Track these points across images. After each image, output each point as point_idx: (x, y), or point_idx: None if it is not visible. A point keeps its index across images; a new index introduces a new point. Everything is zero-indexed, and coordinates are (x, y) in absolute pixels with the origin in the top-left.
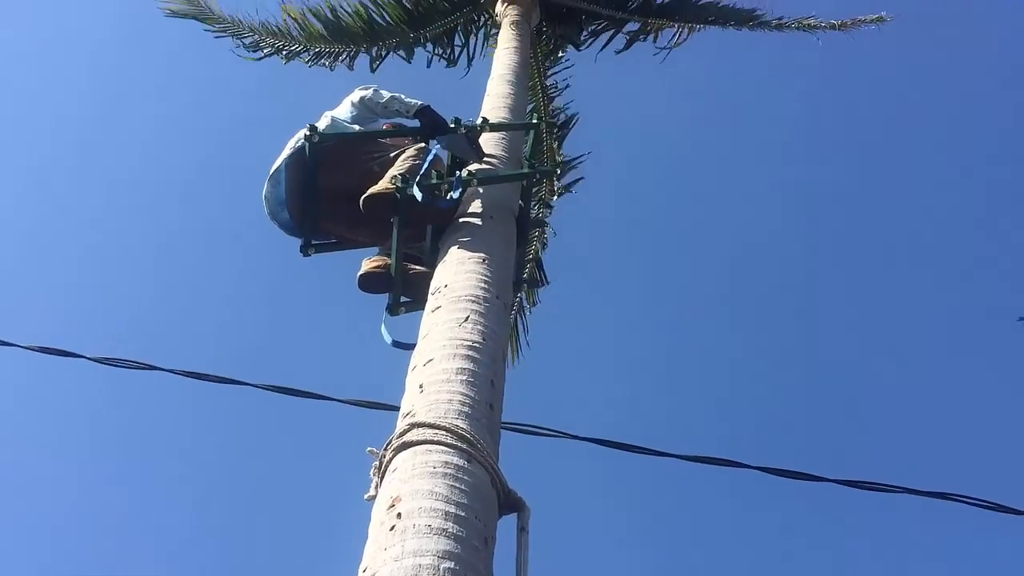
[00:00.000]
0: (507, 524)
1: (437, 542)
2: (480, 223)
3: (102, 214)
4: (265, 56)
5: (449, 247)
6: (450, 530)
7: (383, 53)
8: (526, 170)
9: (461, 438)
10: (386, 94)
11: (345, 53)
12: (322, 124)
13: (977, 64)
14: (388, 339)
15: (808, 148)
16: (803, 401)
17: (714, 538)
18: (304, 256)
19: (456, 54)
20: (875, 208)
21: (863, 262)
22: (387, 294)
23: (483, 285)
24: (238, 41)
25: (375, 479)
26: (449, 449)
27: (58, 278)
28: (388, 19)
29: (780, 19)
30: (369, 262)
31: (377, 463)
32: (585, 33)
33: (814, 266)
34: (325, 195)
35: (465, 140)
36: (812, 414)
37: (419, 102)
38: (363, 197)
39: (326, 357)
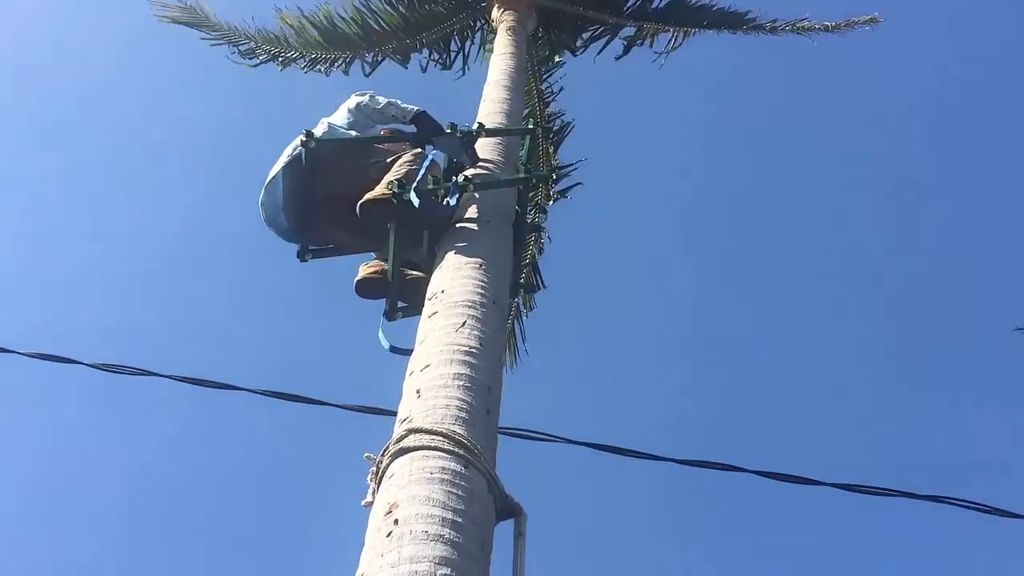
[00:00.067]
0: (504, 530)
1: (434, 548)
2: (477, 228)
3: (102, 215)
4: (261, 63)
5: (446, 252)
6: (447, 536)
7: (379, 59)
8: (522, 175)
9: (458, 444)
10: (383, 100)
11: (341, 59)
12: (319, 130)
13: (974, 63)
14: (385, 344)
15: (807, 149)
16: (800, 404)
17: (712, 542)
18: (301, 261)
19: (452, 59)
20: (875, 209)
21: (862, 264)
22: (384, 299)
23: (480, 290)
24: (234, 48)
25: (372, 485)
26: (446, 455)
27: (57, 283)
28: (384, 25)
29: (774, 22)
30: (366, 267)
31: (374, 469)
32: (581, 39)
33: (813, 267)
34: (322, 201)
35: (460, 144)
36: (809, 417)
37: (415, 108)
38: (360, 203)
39: (323, 362)
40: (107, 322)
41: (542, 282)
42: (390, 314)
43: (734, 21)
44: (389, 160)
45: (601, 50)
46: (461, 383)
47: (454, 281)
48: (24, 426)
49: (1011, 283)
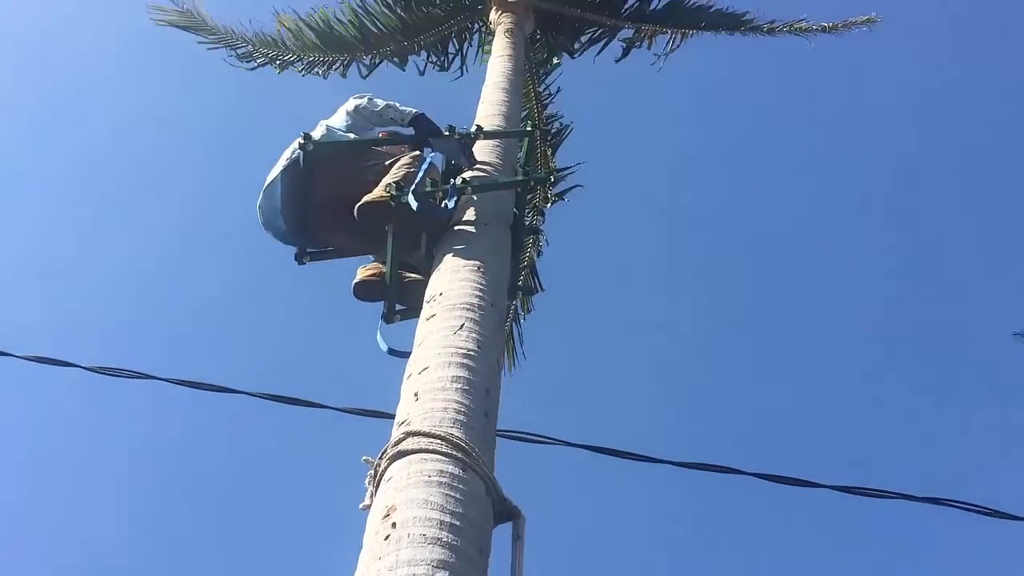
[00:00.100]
0: (503, 533)
1: (432, 551)
2: (475, 231)
3: (98, 218)
4: (258, 66)
5: (444, 255)
6: (445, 539)
7: (376, 61)
8: (520, 177)
9: (456, 447)
10: (381, 102)
11: (339, 62)
12: (317, 133)
13: (971, 64)
14: (384, 347)
15: (806, 150)
16: (798, 407)
17: (710, 544)
18: (299, 264)
19: (450, 62)
20: (873, 212)
21: (860, 267)
22: (382, 302)
23: (478, 293)
24: (231, 51)
25: (370, 488)
26: (444, 458)
27: (54, 286)
28: (381, 27)
29: (771, 23)
30: (364, 270)
31: (372, 472)
32: (579, 41)
33: (811, 270)
34: (320, 204)
35: (457, 146)
36: (807, 419)
37: (414, 110)
38: (358, 205)
39: (321, 365)
40: (105, 323)
41: (540, 285)
42: (388, 317)
43: (732, 22)
44: (387, 163)
45: (599, 52)
46: (459, 386)
47: (452, 284)
48: (23, 427)
49: (1011, 288)
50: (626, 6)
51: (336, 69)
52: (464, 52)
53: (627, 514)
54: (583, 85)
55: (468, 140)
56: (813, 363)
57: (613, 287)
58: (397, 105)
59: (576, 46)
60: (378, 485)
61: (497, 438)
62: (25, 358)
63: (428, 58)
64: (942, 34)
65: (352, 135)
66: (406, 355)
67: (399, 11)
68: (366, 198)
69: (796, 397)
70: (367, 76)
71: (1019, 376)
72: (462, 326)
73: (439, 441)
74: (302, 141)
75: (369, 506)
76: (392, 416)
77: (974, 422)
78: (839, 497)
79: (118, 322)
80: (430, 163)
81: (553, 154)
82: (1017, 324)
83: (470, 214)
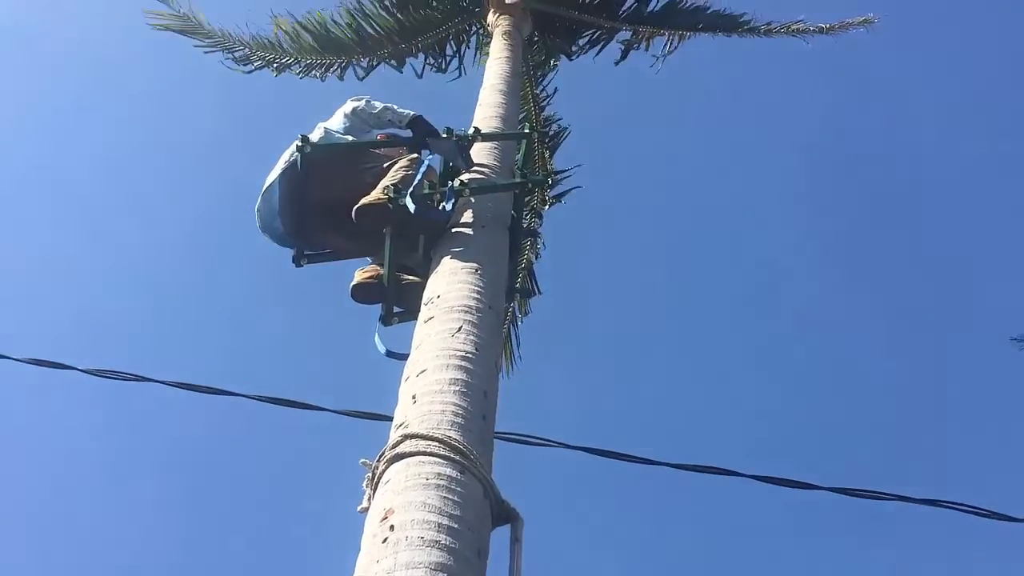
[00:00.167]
0: (501, 535)
1: (430, 554)
2: (472, 233)
3: (95, 221)
4: (256, 69)
5: (442, 257)
6: (443, 542)
7: (374, 63)
8: (518, 179)
9: (454, 449)
10: (378, 104)
11: (336, 64)
12: (315, 135)
13: (969, 63)
14: (382, 349)
15: (803, 153)
16: (796, 408)
17: (708, 547)
18: (297, 266)
19: (447, 64)
20: (871, 215)
21: (858, 270)
22: (380, 304)
23: (476, 295)
24: (228, 54)
25: (368, 491)
26: (442, 460)
27: (50, 289)
28: (379, 30)
29: (768, 24)
30: (362, 272)
31: (370, 475)
32: (576, 43)
33: (808, 273)
34: (318, 206)
35: (455, 147)
36: (805, 421)
37: (411, 112)
38: (355, 208)
39: (318, 367)
40: (103, 324)
41: (537, 287)
42: (386, 319)
43: (729, 24)
44: (385, 165)
45: (597, 54)
46: (457, 388)
47: (450, 286)
48: (21, 429)
49: (1008, 293)
50: (623, 8)
51: (333, 72)
52: (462, 54)
53: (625, 516)
54: (581, 87)
55: (466, 142)
56: (812, 364)
57: (610, 288)
58: (395, 107)
59: (574, 48)
60: (376, 488)
61: (495, 440)
62: (23, 361)
63: (426, 60)
64: (941, 34)
65: (350, 137)
66: (404, 357)
67: (396, 13)
68: (364, 200)
69: (795, 398)
70: (364, 78)
71: (1016, 380)
72: (460, 328)
73: (437, 444)
74: (300, 143)
75: (367, 509)
76: (390, 418)
77: (971, 425)
78: (837, 499)
79: (119, 322)
80: (428, 165)
81: (551, 157)
82: (1015, 329)
83: (468, 216)
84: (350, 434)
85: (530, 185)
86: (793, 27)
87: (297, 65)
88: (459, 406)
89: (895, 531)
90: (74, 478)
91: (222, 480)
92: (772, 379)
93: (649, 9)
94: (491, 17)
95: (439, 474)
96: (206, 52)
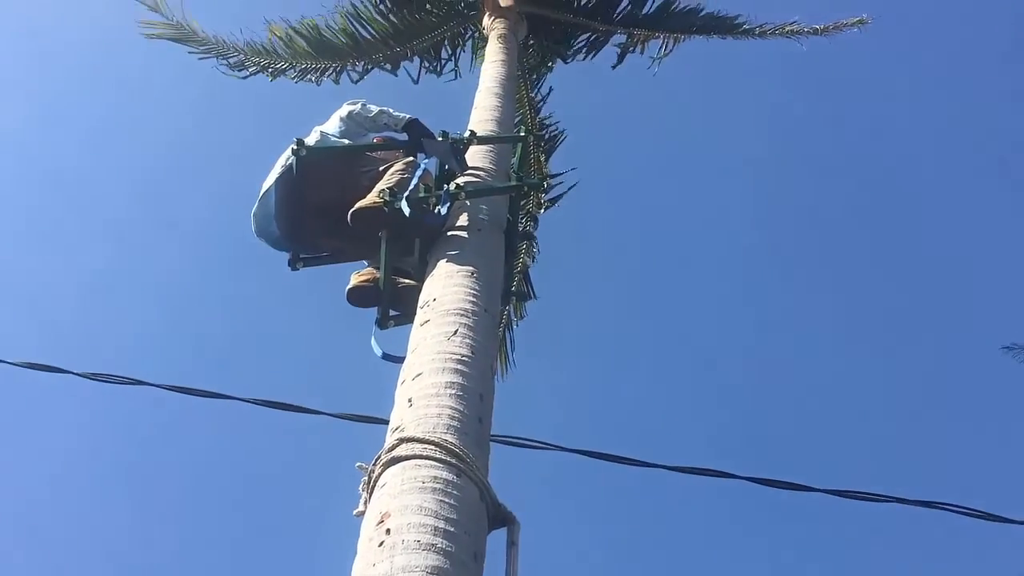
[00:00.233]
0: (497, 538)
1: (426, 558)
2: (468, 236)
3: (92, 223)
4: (251, 74)
5: (437, 260)
6: (439, 546)
7: (369, 68)
8: (514, 183)
9: (450, 452)
10: (374, 108)
11: (331, 68)
12: (311, 139)
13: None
14: (378, 352)
15: (802, 152)
16: (792, 411)
17: (705, 548)
18: (292, 270)
19: (443, 67)
20: (872, 216)
21: (855, 272)
22: (376, 307)
23: (471, 298)
24: (223, 60)
25: (364, 494)
26: (438, 464)
27: (46, 292)
28: (374, 34)
29: (762, 26)
30: (358, 276)
31: (366, 478)
32: (572, 46)
33: (804, 276)
34: (314, 210)
35: (450, 149)
36: (802, 423)
37: (407, 116)
38: (351, 211)
39: (314, 371)
40: (96, 332)
41: (533, 292)
42: (382, 322)
43: (723, 26)
44: (381, 168)
45: (593, 57)
46: (453, 392)
47: (446, 289)
48: (19, 431)
49: (1002, 302)
50: (618, 11)
51: (329, 76)
52: (457, 58)
53: (622, 519)
54: (579, 91)
55: (461, 145)
56: (811, 366)
57: (607, 290)
58: (391, 111)
59: (569, 51)
60: (372, 491)
61: (491, 443)
62: (17, 364)
63: (421, 64)
64: (936, 34)
65: (346, 141)
66: (400, 360)
67: (391, 17)
68: (359, 204)
69: (793, 399)
70: (357, 81)
71: (1009, 385)
72: (456, 331)
73: (433, 447)
74: (295, 147)
75: (363, 512)
76: (386, 422)
77: (965, 429)
78: (833, 500)
79: (108, 334)
80: (424, 169)
81: (547, 160)
82: (1006, 337)
83: (464, 220)
84: (346, 438)
85: (526, 188)
86: (787, 29)
87: (292, 70)
88: (455, 409)
89: (890, 533)
90: (73, 479)
91: (218, 484)
92: (768, 381)
93: (643, 12)
94: (486, 20)
95: (435, 478)
96: (200, 59)
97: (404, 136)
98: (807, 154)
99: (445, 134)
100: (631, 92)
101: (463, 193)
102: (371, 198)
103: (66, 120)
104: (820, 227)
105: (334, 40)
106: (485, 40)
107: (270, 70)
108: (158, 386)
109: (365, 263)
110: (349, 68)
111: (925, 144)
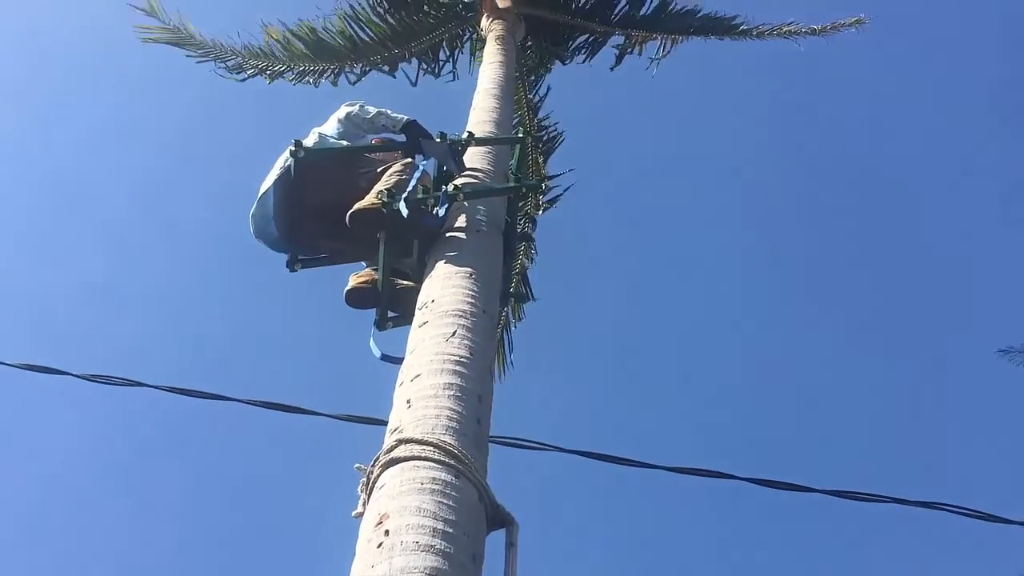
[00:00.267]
0: (496, 540)
1: (425, 559)
2: (467, 237)
3: (88, 225)
4: (249, 77)
5: (436, 261)
6: (438, 547)
7: (367, 70)
8: (512, 184)
9: (449, 454)
10: (372, 109)
11: (329, 70)
12: (309, 140)
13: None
14: (377, 353)
15: (801, 153)
16: (790, 412)
17: (703, 550)
18: (291, 271)
19: (441, 68)
20: (869, 218)
21: (855, 273)
22: (374, 309)
23: (470, 299)
24: (221, 64)
25: (363, 496)
26: (437, 465)
27: (45, 293)
28: (372, 36)
29: (760, 27)
30: (356, 277)
31: (365, 479)
32: (569, 48)
33: (802, 277)
34: (313, 211)
35: (448, 150)
36: (800, 424)
37: (405, 117)
38: (349, 213)
39: (313, 372)
40: (95, 333)
41: (531, 293)
42: (380, 324)
43: (720, 27)
44: (379, 170)
45: (591, 59)
46: (452, 393)
47: (444, 290)
48: (17, 432)
49: (996, 306)
50: (615, 12)
51: (327, 78)
52: (455, 59)
53: (620, 520)
54: (577, 91)
55: (459, 146)
56: (809, 367)
57: (605, 292)
58: (389, 112)
59: (567, 53)
60: (371, 492)
61: (490, 444)
62: (16, 366)
63: (419, 66)
64: (935, 34)
65: (344, 142)
66: (399, 361)
67: (389, 19)
68: (357, 205)
69: (791, 400)
70: (355, 83)
71: (1006, 387)
72: (454, 333)
73: (432, 448)
74: (293, 148)
75: (362, 514)
76: (385, 423)
77: (963, 430)
78: (832, 501)
79: (106, 335)
80: (423, 170)
81: (545, 161)
82: (1001, 341)
83: (462, 221)
84: (345, 439)
85: (524, 190)
86: (785, 29)
87: (290, 72)
88: (454, 410)
89: (889, 533)
90: (72, 481)
91: (217, 486)
92: (767, 382)
93: (641, 13)
94: (484, 22)
95: (434, 479)
96: (198, 62)
97: (402, 137)
98: (806, 155)
99: (443, 135)
100: (630, 93)
101: (461, 194)
102: (369, 199)
103: (65, 120)
104: (819, 227)
105: (332, 42)
106: (483, 42)
107: (268, 73)
108: (156, 387)
109: (363, 264)
110: (347, 70)
111: (924, 144)
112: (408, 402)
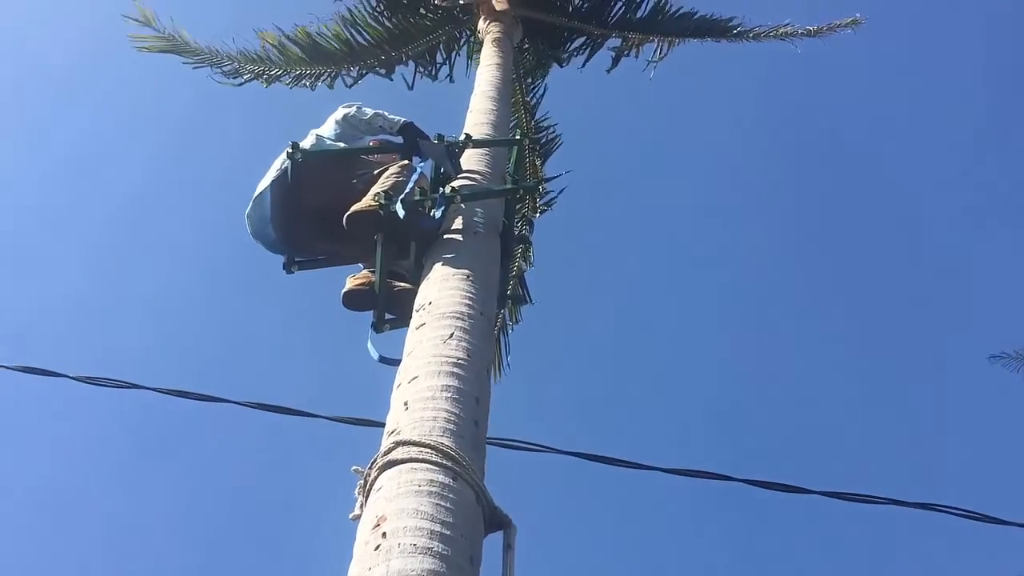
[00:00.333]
0: (493, 542)
1: (422, 561)
2: (464, 239)
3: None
4: (245, 82)
5: (433, 264)
6: (435, 549)
7: (363, 73)
8: (509, 186)
9: (446, 456)
10: (369, 111)
11: (326, 74)
12: (307, 142)
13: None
14: (374, 355)
15: (800, 153)
16: (787, 414)
17: (701, 551)
18: (287, 273)
19: (438, 71)
20: (868, 218)
21: (854, 274)
22: (372, 311)
23: (467, 301)
24: (217, 69)
25: (360, 498)
26: (434, 467)
27: (45, 294)
28: (369, 39)
29: (756, 29)
30: (353, 279)
31: (362, 482)
32: (566, 50)
33: (800, 278)
34: (310, 213)
35: (445, 152)
36: (797, 426)
37: (402, 118)
38: (346, 215)
39: (311, 373)
40: (94, 334)
41: (528, 295)
42: (378, 326)
43: (717, 29)
44: (376, 172)
45: (587, 61)
46: (449, 395)
47: (442, 292)
48: (15, 434)
49: (990, 312)
50: (612, 14)
51: (323, 81)
52: (452, 62)
53: (618, 521)
54: (574, 93)
55: (456, 148)
56: (807, 368)
57: (604, 292)
58: (386, 114)
59: (564, 55)
60: (368, 495)
61: (487, 447)
62: (13, 368)
63: (416, 68)
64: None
65: (341, 144)
66: (396, 363)
67: (386, 22)
68: (355, 207)
69: (789, 402)
70: (352, 86)
71: (1003, 391)
72: (452, 335)
73: (429, 450)
74: (290, 150)
75: (359, 516)
76: (382, 425)
77: (961, 433)
78: (829, 503)
79: (105, 335)
80: (420, 172)
81: (543, 163)
82: (993, 347)
83: (459, 223)
84: (342, 441)
85: (521, 191)
86: (781, 31)
87: (287, 76)
88: (451, 412)
89: (887, 535)
90: (70, 482)
91: (215, 487)
92: (764, 384)
93: (637, 16)
94: (481, 24)
95: (431, 481)
96: (194, 68)
97: (399, 139)
98: (802, 156)
99: (440, 137)
100: (627, 95)
101: (458, 196)
102: (366, 201)
103: (65, 120)
104: (816, 229)
105: (328, 46)
106: (480, 44)
107: (264, 77)
108: (154, 389)
109: (361, 266)
110: (344, 73)
111: (922, 145)
112: (406, 404)
